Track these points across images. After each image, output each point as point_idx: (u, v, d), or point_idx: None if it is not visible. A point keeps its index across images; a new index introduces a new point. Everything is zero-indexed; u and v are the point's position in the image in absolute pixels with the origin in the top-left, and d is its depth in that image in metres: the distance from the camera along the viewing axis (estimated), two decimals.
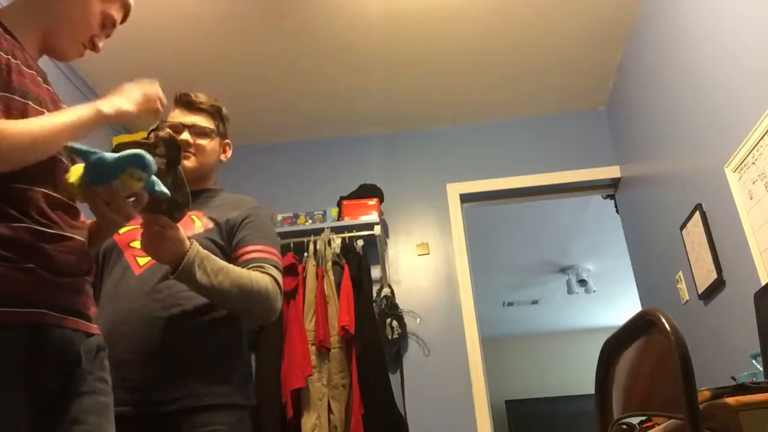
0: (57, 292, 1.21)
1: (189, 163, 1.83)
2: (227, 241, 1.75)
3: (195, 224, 1.77)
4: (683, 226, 2.78)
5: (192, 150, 1.85)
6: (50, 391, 1.19)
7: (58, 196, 1.26)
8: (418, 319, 3.52)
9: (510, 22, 3.15)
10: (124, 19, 1.49)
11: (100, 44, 1.43)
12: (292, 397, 2.95)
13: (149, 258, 1.66)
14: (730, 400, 1.20)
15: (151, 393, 1.60)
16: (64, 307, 1.22)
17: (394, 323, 3.38)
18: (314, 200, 3.73)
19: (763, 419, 1.16)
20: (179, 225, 1.51)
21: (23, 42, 1.32)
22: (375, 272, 3.48)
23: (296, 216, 3.63)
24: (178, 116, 1.88)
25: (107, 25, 1.44)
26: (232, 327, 1.75)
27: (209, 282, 1.55)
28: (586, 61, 3.49)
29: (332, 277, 3.24)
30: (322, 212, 3.62)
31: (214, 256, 1.61)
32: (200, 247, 1.57)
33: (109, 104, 1.26)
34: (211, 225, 1.76)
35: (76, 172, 1.19)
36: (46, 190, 1.23)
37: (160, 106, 1.36)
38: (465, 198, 3.83)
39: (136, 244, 1.63)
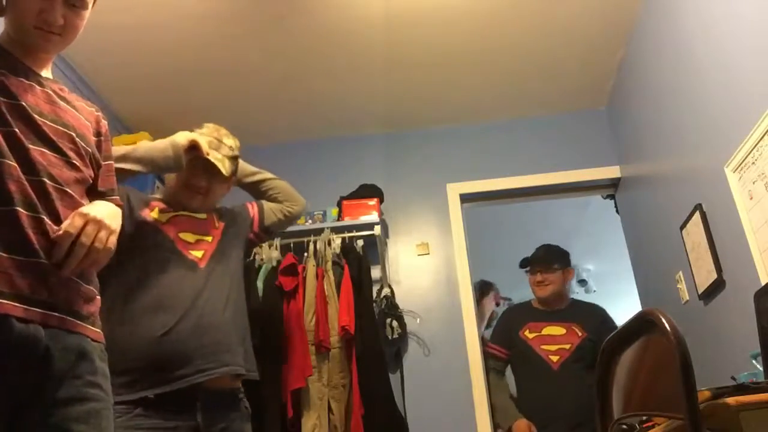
0: (23, 286, 1.20)
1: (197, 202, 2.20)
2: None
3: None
4: (683, 226, 2.77)
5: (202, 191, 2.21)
6: (17, 386, 1.17)
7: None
8: (418, 319, 3.52)
9: (510, 22, 3.15)
10: None
11: (57, 18, 1.33)
12: (292, 397, 2.94)
13: (203, 251, 2.02)
14: (730, 400, 1.20)
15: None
16: (31, 300, 1.20)
17: (394, 323, 3.37)
18: (314, 200, 3.70)
19: (763, 419, 1.16)
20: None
21: (20, 54, 1.36)
22: (375, 272, 3.47)
23: None
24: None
25: None
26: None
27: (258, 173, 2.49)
28: (586, 61, 3.49)
29: (332, 277, 3.24)
30: (322, 212, 3.62)
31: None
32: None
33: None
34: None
35: None
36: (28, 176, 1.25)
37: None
38: (465, 198, 3.83)
39: (186, 236, 2.02)
